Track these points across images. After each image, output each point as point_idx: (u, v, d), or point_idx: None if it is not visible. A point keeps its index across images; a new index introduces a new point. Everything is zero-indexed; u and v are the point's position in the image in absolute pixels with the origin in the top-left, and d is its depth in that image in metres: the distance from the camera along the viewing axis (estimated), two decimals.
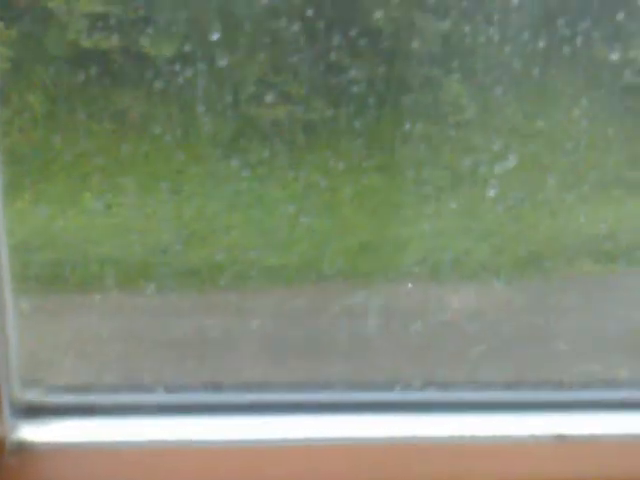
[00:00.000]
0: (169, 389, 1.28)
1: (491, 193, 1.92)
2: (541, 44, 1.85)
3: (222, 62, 1.74)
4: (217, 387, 1.30)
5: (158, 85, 1.75)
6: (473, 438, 1.18)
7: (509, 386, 1.33)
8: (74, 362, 1.61)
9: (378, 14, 1.78)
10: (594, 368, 1.67)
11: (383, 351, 1.72)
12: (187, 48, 1.71)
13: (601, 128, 2.04)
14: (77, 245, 1.72)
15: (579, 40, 1.89)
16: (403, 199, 1.91)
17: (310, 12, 1.70)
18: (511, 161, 1.93)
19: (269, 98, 1.82)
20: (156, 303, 1.71)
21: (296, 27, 1.78)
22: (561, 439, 1.16)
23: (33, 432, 1.17)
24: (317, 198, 1.86)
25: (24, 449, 1.14)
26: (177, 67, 1.71)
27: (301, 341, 1.75)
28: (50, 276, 1.64)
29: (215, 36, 1.69)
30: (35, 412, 1.19)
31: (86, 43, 1.69)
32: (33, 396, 1.21)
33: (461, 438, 1.17)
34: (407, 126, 1.86)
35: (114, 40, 1.69)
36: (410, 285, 1.86)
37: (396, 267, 1.90)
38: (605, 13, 1.85)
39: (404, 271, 1.90)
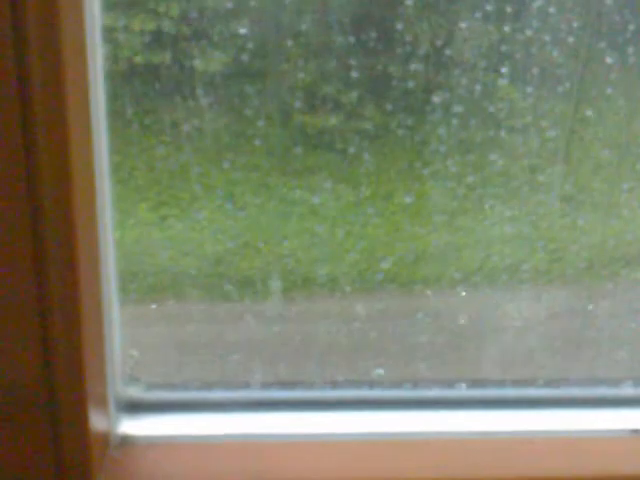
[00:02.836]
0: (263, 385, 1.36)
1: (547, 198, 1.89)
2: (597, 45, 1.82)
3: (273, 72, 1.76)
4: (305, 384, 1.38)
5: (209, 98, 1.77)
6: (548, 433, 1.18)
7: (584, 382, 1.33)
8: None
9: (426, 24, 1.77)
10: None
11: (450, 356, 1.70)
12: (237, 61, 1.72)
13: None
14: (134, 256, 1.74)
15: (634, 40, 1.85)
16: (457, 206, 1.89)
17: (362, 23, 1.70)
18: (566, 166, 1.89)
19: (321, 107, 1.82)
20: (217, 310, 1.73)
21: (349, 38, 1.79)
22: (638, 433, 1.15)
23: (134, 426, 1.23)
24: (370, 207, 1.85)
25: (126, 443, 1.20)
26: (228, 79, 1.73)
27: (364, 347, 1.75)
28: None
29: (265, 47, 1.71)
30: (136, 407, 1.26)
31: (139, 59, 1.72)
32: (134, 392, 1.28)
33: (537, 433, 1.19)
34: (461, 133, 1.84)
35: (166, 55, 1.71)
36: (464, 293, 1.84)
37: (451, 275, 1.87)
38: None
39: (459, 279, 1.87)
